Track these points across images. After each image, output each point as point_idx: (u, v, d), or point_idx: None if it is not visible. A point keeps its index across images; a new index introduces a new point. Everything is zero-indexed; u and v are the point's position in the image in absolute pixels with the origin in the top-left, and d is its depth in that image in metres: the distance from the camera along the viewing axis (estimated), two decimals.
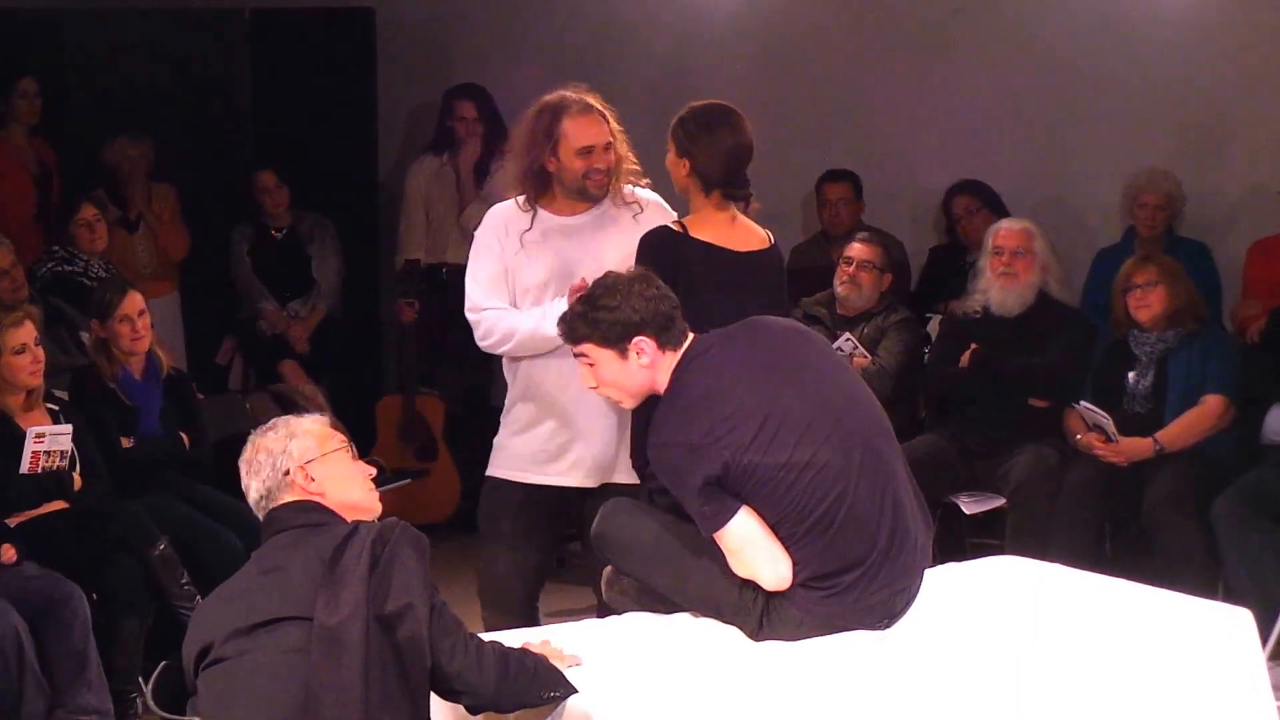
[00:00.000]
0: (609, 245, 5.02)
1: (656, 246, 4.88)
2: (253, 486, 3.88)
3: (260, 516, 3.87)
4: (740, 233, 5.00)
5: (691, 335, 4.28)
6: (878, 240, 7.30)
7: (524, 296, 5.07)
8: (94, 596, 5.63)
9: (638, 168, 5.15)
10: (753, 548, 4.06)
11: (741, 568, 4.09)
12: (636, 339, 4.21)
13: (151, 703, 5.86)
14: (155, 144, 8.35)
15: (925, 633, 4.15)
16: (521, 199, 5.09)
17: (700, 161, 4.92)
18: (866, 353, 6.95)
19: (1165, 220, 7.48)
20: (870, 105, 8.44)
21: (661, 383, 4.23)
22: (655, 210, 5.16)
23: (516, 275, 5.08)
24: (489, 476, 5.24)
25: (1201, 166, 7.67)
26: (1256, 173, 7.59)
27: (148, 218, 8.29)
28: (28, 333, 5.90)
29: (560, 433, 5.10)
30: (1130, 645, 4.17)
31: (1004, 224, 7.07)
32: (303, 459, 3.87)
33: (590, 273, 4.76)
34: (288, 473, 3.86)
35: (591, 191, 5.03)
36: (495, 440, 5.25)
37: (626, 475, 5.05)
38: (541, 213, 5.08)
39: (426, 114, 8.79)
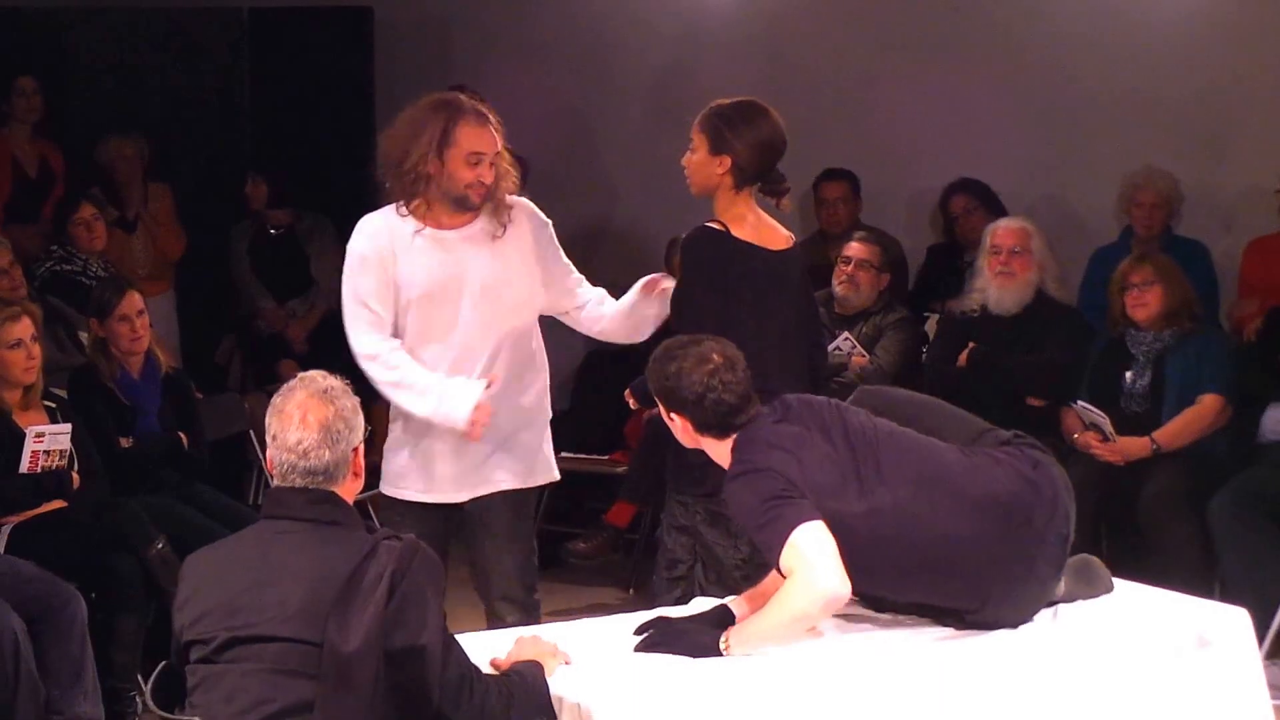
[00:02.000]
0: (487, 260, 4.92)
1: (701, 247, 4.86)
2: (324, 456, 3.57)
3: (289, 481, 3.60)
4: (768, 232, 4.98)
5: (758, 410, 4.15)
6: (875, 239, 7.31)
7: (405, 311, 4.93)
8: (93, 596, 5.64)
9: (515, 174, 4.99)
10: (826, 556, 3.87)
11: (805, 580, 3.87)
12: (673, 413, 4.17)
13: (150, 702, 5.87)
14: (151, 142, 8.35)
15: (920, 632, 4.15)
16: (400, 205, 4.92)
17: (741, 155, 4.86)
18: (864, 352, 6.96)
19: (1162, 220, 7.49)
20: (868, 104, 8.44)
21: (716, 455, 4.17)
22: (524, 215, 5.01)
23: (402, 287, 4.92)
24: (379, 493, 5.19)
25: (1199, 166, 7.67)
26: (1254, 172, 7.59)
27: (144, 217, 8.29)
28: (24, 328, 5.91)
29: (424, 449, 5.00)
30: (1127, 644, 4.17)
31: (1001, 223, 7.08)
32: (360, 439, 3.67)
33: (474, 285, 4.83)
34: (355, 450, 3.65)
35: (471, 201, 4.85)
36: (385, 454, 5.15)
37: (502, 483, 5.01)
38: (420, 225, 4.92)
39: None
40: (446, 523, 5.08)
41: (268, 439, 3.64)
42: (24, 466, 5.82)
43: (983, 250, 7.01)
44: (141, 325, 6.40)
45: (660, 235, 8.11)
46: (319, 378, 3.66)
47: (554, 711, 3.79)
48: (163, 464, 6.39)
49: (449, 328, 4.92)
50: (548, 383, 5.16)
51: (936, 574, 4.05)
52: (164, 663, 5.82)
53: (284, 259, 8.52)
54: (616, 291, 5.19)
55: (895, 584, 4.10)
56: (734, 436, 4.13)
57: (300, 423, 3.57)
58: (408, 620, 3.45)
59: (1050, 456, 4.25)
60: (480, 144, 4.83)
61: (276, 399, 3.64)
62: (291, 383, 3.66)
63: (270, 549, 3.57)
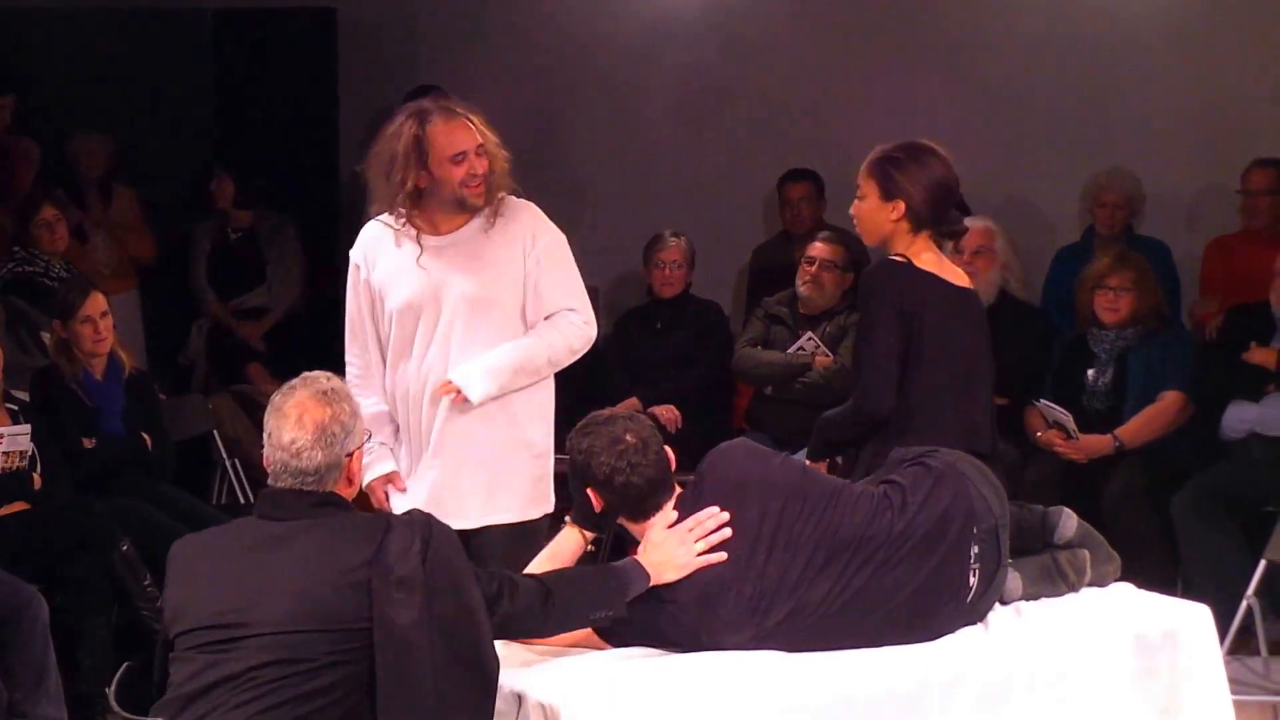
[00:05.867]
0: (481, 263, 4.73)
1: (884, 279, 4.66)
2: (316, 458, 3.57)
3: (281, 481, 3.59)
4: (949, 268, 4.79)
5: (673, 499, 4.08)
6: (839, 240, 7.31)
7: (390, 321, 4.77)
8: (58, 599, 5.61)
9: (507, 169, 4.77)
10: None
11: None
12: (586, 489, 4.07)
13: (114, 703, 5.85)
14: (116, 143, 8.34)
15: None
16: (390, 217, 4.74)
17: (914, 198, 4.65)
18: (828, 351, 6.98)
19: (1124, 219, 7.53)
20: (832, 105, 8.46)
21: (638, 534, 4.10)
22: (523, 214, 4.81)
23: (384, 297, 4.76)
24: None
25: (1161, 166, 7.72)
26: (1215, 172, 7.65)
27: (105, 217, 8.26)
28: None
29: (416, 472, 4.81)
30: (1089, 640, 4.19)
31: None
32: (356, 444, 3.65)
33: (462, 292, 4.65)
34: (350, 455, 3.63)
35: (470, 201, 4.69)
36: None
37: (497, 515, 4.79)
38: (411, 232, 4.75)
39: (388, 114, 8.74)
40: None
41: (264, 436, 3.64)
42: None
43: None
44: (105, 327, 6.38)
45: (627, 234, 8.13)
46: (322, 378, 3.69)
47: (622, 606, 3.82)
48: (126, 465, 6.37)
49: (426, 342, 4.75)
50: (547, 407, 4.89)
51: (888, 625, 4.02)
52: (127, 664, 5.80)
53: (240, 262, 8.51)
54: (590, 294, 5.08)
55: (861, 642, 4.04)
56: (650, 523, 4.04)
57: (296, 422, 3.58)
58: (445, 588, 3.49)
59: (951, 456, 4.21)
60: (458, 142, 4.66)
61: (276, 397, 3.65)
62: (294, 381, 3.67)
63: (278, 548, 3.54)
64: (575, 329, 4.83)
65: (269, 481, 3.64)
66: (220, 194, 8.43)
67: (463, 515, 4.68)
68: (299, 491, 3.58)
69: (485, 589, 3.63)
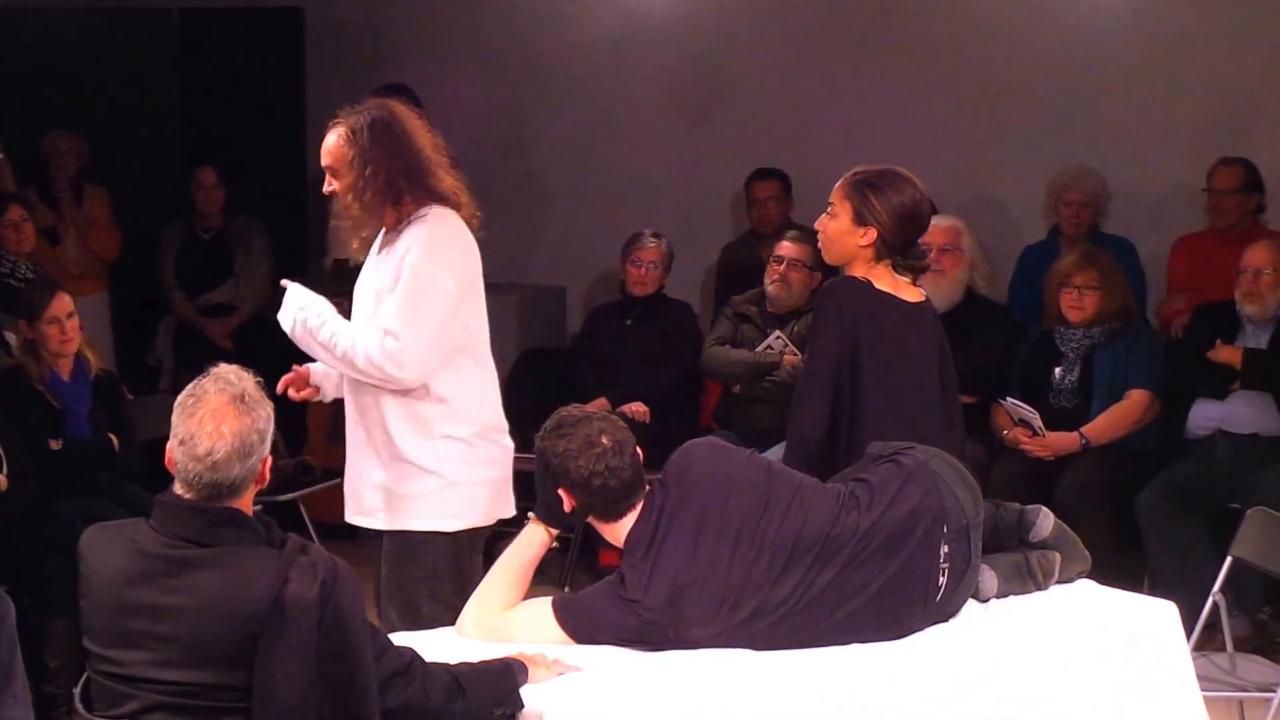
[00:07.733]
0: (371, 269, 4.81)
1: (841, 296, 4.66)
2: (233, 470, 3.32)
3: (191, 489, 3.36)
4: (905, 287, 4.76)
5: (643, 499, 4.07)
6: (807, 239, 7.30)
7: None
8: (23, 601, 5.59)
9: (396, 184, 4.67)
10: (529, 633, 4.00)
11: (518, 626, 4.04)
12: (559, 490, 4.06)
13: (79, 705, 5.81)
14: (84, 143, 8.31)
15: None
16: None
17: (886, 227, 4.63)
18: (796, 350, 6.99)
19: (1090, 218, 7.55)
20: (799, 104, 8.47)
21: (605, 534, 4.11)
22: (412, 231, 4.65)
23: None
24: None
25: (1127, 164, 7.74)
26: (1181, 170, 7.67)
27: (77, 217, 8.24)
28: None
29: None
30: (1056, 638, 4.20)
31: (931, 220, 7.10)
32: (269, 448, 3.40)
33: (358, 294, 4.74)
34: (265, 461, 3.39)
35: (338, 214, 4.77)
36: None
37: (360, 516, 4.78)
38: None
39: None
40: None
41: (173, 438, 3.38)
42: None
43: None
44: (71, 327, 6.36)
45: (595, 235, 8.12)
46: (233, 378, 3.42)
47: (519, 701, 3.69)
48: (93, 466, 6.35)
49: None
50: (407, 416, 4.70)
51: (855, 623, 4.02)
52: None
53: (210, 263, 8.50)
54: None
55: (829, 641, 4.04)
56: (620, 523, 4.05)
57: (214, 433, 3.33)
58: (337, 653, 3.28)
59: (925, 454, 4.21)
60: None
61: (187, 399, 3.39)
62: (204, 382, 3.41)
63: (176, 576, 3.34)
64: (374, 347, 4.65)
65: (175, 488, 3.41)
66: (201, 184, 8.40)
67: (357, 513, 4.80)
68: (198, 509, 3.36)
69: (391, 663, 3.42)
